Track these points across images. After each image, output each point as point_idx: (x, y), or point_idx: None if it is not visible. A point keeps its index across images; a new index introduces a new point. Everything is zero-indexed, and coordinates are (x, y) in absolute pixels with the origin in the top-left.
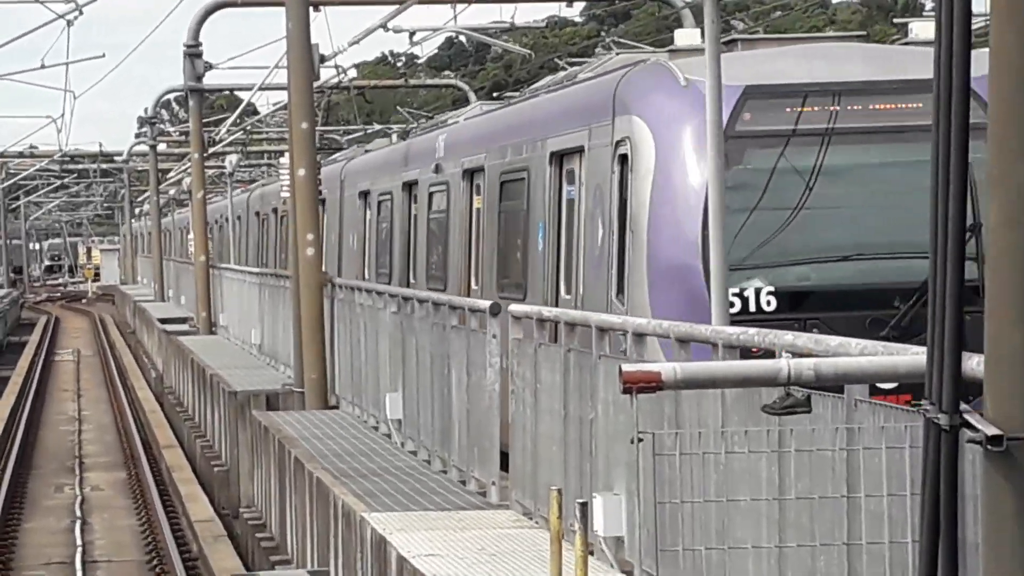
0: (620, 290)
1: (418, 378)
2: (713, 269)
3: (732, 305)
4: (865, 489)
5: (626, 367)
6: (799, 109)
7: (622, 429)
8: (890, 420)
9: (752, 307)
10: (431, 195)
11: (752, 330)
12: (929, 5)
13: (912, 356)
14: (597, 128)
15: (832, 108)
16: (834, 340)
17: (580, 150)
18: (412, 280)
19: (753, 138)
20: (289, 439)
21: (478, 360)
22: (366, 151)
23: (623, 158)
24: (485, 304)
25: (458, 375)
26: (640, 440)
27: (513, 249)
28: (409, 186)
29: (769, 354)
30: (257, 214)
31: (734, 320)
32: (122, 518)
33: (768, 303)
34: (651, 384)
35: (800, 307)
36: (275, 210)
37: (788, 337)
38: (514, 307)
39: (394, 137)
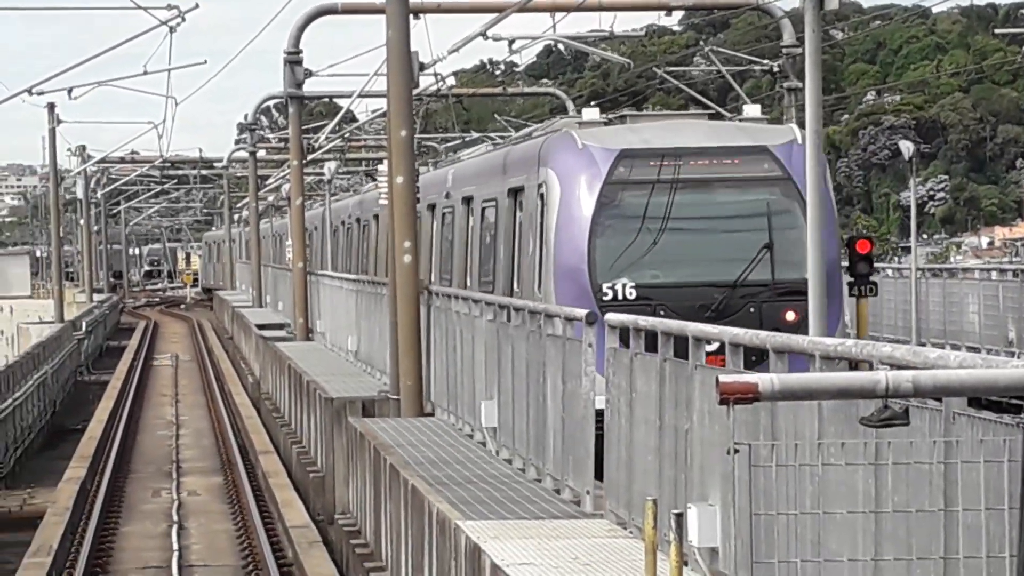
0: (539, 285)
1: (513, 386)
2: (812, 286)
3: (606, 295)
4: (963, 503)
5: (723, 378)
6: (657, 165)
7: (718, 439)
8: (989, 433)
9: (620, 297)
10: (443, 215)
11: (850, 341)
12: None
13: (1012, 369)
14: (530, 173)
15: (679, 165)
16: (932, 352)
17: (523, 188)
18: (432, 280)
19: (624, 184)
20: (384, 446)
21: (573, 369)
22: None
23: (542, 195)
24: (581, 313)
25: (553, 383)
26: (736, 451)
27: (488, 256)
28: (431, 207)
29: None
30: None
31: (610, 306)
32: (218, 523)
33: (631, 294)
34: (748, 395)
35: (651, 297)
36: (343, 223)
37: (886, 349)
38: (610, 316)
39: (430, 166)
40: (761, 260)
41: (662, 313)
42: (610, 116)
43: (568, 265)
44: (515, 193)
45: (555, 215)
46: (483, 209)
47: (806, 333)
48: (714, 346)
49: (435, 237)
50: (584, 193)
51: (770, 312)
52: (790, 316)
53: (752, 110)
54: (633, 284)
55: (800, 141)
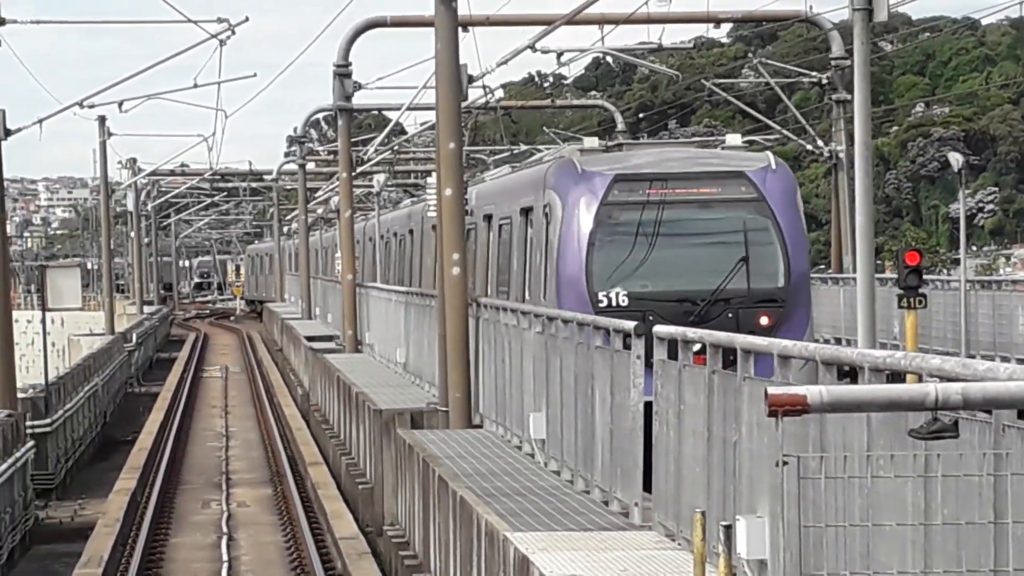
0: (544, 294)
1: (562, 398)
2: (860, 297)
3: (602, 302)
4: (1013, 515)
5: (772, 390)
6: (647, 189)
7: (766, 451)
8: None
9: (614, 304)
10: (468, 231)
11: (899, 354)
12: None
13: None
14: (537, 195)
15: (667, 188)
16: (982, 365)
17: (532, 207)
18: None
19: (618, 205)
20: (433, 458)
21: (622, 380)
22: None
23: (547, 214)
24: (630, 325)
25: (602, 395)
26: (785, 463)
27: (505, 268)
28: None
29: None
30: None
31: (604, 311)
32: (267, 534)
33: (623, 301)
34: (797, 407)
35: (640, 304)
36: (382, 237)
37: (936, 361)
38: (659, 328)
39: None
40: (738, 272)
41: (651, 319)
42: (608, 144)
43: (569, 275)
44: (526, 212)
45: (558, 231)
46: (500, 226)
47: (777, 336)
48: (698, 346)
49: None
50: (583, 212)
51: (746, 317)
52: (764, 321)
53: (733, 139)
54: (625, 292)
55: (774, 167)
